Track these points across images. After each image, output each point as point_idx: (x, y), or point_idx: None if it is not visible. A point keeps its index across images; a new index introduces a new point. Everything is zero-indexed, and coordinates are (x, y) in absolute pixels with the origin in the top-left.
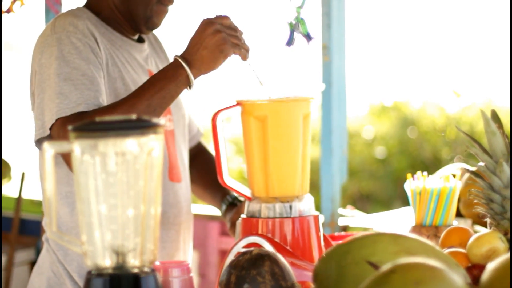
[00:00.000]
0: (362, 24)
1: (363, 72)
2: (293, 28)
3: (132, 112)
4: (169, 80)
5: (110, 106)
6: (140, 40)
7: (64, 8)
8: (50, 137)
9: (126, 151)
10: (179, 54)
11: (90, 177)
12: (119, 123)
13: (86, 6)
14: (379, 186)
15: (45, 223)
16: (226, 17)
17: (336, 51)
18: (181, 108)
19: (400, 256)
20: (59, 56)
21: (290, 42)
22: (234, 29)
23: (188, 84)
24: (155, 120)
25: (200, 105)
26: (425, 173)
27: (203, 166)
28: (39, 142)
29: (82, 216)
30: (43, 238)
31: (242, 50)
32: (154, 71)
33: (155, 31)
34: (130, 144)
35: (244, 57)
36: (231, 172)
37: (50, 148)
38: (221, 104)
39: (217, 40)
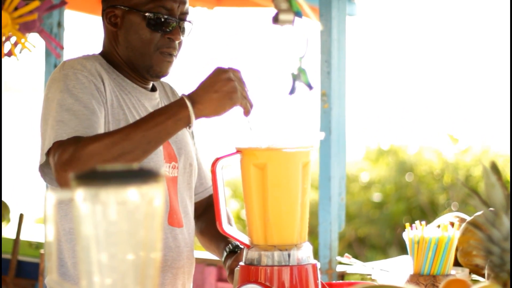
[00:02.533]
0: (359, 70)
1: (360, 117)
2: (295, 78)
3: (127, 141)
4: (169, 116)
5: (106, 133)
6: (153, 89)
7: (66, 53)
8: (47, 163)
9: (127, 201)
10: (187, 94)
11: (90, 225)
12: (120, 172)
13: (100, 54)
14: (376, 230)
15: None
16: (238, 71)
17: (335, 99)
18: (190, 158)
19: None
20: (63, 89)
21: (292, 91)
22: (244, 83)
23: (188, 124)
24: (156, 170)
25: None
26: (424, 222)
27: (212, 218)
28: (42, 172)
29: (82, 264)
30: (46, 281)
31: (247, 104)
32: None
33: (171, 82)
34: (132, 193)
35: (247, 112)
36: None
37: (52, 195)
38: (221, 151)
39: (229, 87)
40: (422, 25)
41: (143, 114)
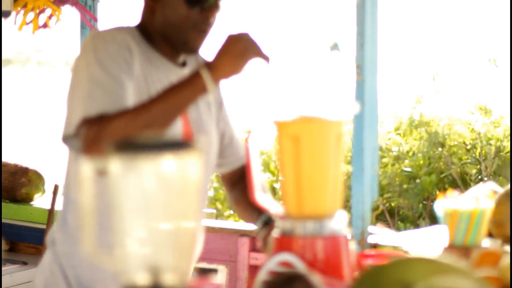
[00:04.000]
0: (394, 41)
1: (393, 90)
2: (330, 48)
3: (148, 114)
4: (186, 85)
5: (128, 109)
6: (184, 64)
7: (101, 25)
8: (74, 136)
9: (163, 170)
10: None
11: (126, 195)
12: (156, 142)
13: (137, 26)
14: (408, 202)
15: (52, 234)
16: (246, 33)
17: (368, 71)
18: (208, 137)
19: (434, 278)
20: (93, 61)
21: (327, 59)
22: (254, 42)
23: (205, 90)
24: (192, 141)
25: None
26: (456, 193)
27: (246, 187)
28: (65, 140)
29: (116, 234)
30: (48, 240)
31: (263, 56)
32: None
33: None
34: (167, 162)
35: (267, 60)
36: None
37: (87, 164)
38: (254, 122)
39: (238, 47)
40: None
41: None
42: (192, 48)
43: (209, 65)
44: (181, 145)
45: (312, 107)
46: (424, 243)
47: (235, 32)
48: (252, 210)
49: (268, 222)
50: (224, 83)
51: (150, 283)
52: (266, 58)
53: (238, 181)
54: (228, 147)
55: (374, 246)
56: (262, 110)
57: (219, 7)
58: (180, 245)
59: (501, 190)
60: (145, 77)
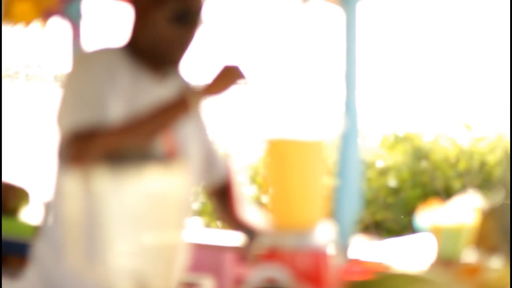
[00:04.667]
0: (375, 55)
1: (377, 104)
2: None
3: (131, 133)
4: (172, 105)
5: (113, 126)
6: (172, 77)
7: (91, 43)
8: (63, 147)
9: (149, 182)
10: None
11: (111, 209)
12: (140, 158)
13: (123, 46)
14: (392, 215)
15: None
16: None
17: (348, 85)
18: (192, 152)
19: None
20: (79, 80)
21: None
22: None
23: (188, 109)
24: (175, 156)
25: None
26: (439, 205)
27: (229, 200)
28: (58, 155)
29: (102, 247)
30: (33, 255)
31: (244, 78)
32: None
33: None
34: (154, 177)
35: (243, 78)
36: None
37: (74, 179)
38: (241, 141)
39: (230, 69)
40: (436, 10)
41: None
42: (171, 64)
43: (195, 87)
44: (165, 160)
45: (297, 125)
46: (407, 256)
47: (229, 63)
48: (237, 224)
49: (249, 233)
50: (210, 101)
51: None
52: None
53: (222, 195)
54: (209, 163)
55: (358, 260)
56: (248, 127)
57: (200, 23)
58: (164, 258)
59: (483, 202)
60: (130, 98)
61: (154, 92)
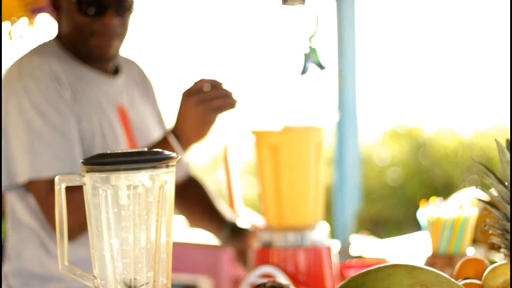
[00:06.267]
0: (374, 50)
1: (376, 98)
2: (306, 58)
3: None
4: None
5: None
6: (117, 71)
7: None
8: (21, 189)
9: (138, 185)
10: (169, 129)
11: (102, 210)
12: (131, 156)
13: (56, 38)
14: (392, 210)
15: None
16: (201, 80)
17: (348, 79)
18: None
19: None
20: (28, 107)
21: (304, 71)
22: (215, 87)
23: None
24: (167, 153)
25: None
26: (439, 199)
27: (199, 194)
28: (7, 188)
29: (94, 250)
30: (5, 272)
31: (226, 107)
32: (128, 105)
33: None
34: (143, 177)
35: (233, 107)
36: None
37: (61, 182)
38: (233, 133)
39: (199, 113)
40: (435, 3)
41: (104, 103)
42: (99, 56)
43: (175, 134)
44: (157, 158)
45: (291, 116)
46: (407, 252)
47: (188, 85)
48: (211, 219)
49: (234, 231)
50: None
51: None
52: (231, 103)
53: (186, 189)
54: None
55: (358, 256)
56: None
57: (123, 10)
58: (157, 260)
59: (485, 198)
60: (78, 98)
61: (104, 88)
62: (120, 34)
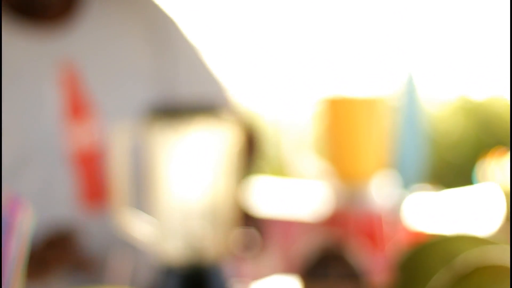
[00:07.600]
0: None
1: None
2: None
3: None
4: None
5: None
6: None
7: None
8: None
9: (201, 139)
10: None
11: (164, 163)
12: (195, 108)
13: None
14: (459, 160)
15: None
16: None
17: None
18: None
19: (481, 258)
20: None
21: None
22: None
23: None
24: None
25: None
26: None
27: None
28: None
29: (153, 203)
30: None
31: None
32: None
33: None
34: (206, 131)
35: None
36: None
37: (122, 132)
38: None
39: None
40: None
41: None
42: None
43: None
44: (222, 115)
45: (355, 82)
46: (471, 212)
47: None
48: None
49: None
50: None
51: (188, 256)
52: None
53: None
54: None
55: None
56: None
57: None
58: (218, 218)
59: None
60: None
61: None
62: None
